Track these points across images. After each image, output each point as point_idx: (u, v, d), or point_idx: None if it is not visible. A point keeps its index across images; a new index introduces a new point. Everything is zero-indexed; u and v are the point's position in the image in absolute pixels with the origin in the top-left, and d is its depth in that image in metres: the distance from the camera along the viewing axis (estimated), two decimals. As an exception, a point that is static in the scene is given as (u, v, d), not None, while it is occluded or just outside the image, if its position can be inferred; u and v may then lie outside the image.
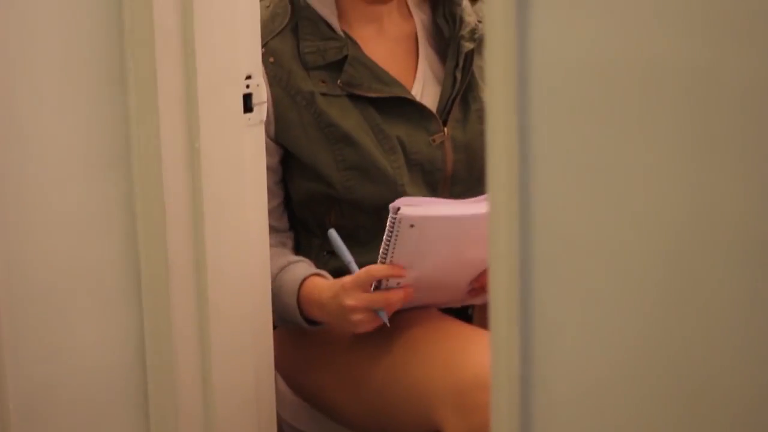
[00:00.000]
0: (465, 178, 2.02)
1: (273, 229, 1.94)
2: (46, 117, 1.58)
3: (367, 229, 1.98)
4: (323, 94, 1.96)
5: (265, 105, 1.73)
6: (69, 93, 1.58)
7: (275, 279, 1.91)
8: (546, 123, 1.07)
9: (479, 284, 1.87)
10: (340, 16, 2.01)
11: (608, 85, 1.02)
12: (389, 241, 1.76)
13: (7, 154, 1.56)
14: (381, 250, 1.78)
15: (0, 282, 1.58)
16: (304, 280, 1.92)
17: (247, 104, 1.69)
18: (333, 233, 1.90)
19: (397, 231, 1.74)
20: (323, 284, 1.90)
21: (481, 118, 2.02)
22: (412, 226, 1.74)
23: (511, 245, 1.08)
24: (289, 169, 2.01)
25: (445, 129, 2.01)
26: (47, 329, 1.63)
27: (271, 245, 1.87)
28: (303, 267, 1.96)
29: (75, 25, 1.56)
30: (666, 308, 1.01)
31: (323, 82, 1.96)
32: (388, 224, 1.75)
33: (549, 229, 1.07)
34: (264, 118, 1.72)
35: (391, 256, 1.77)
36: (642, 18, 0.99)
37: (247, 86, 1.69)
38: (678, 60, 0.97)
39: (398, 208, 1.73)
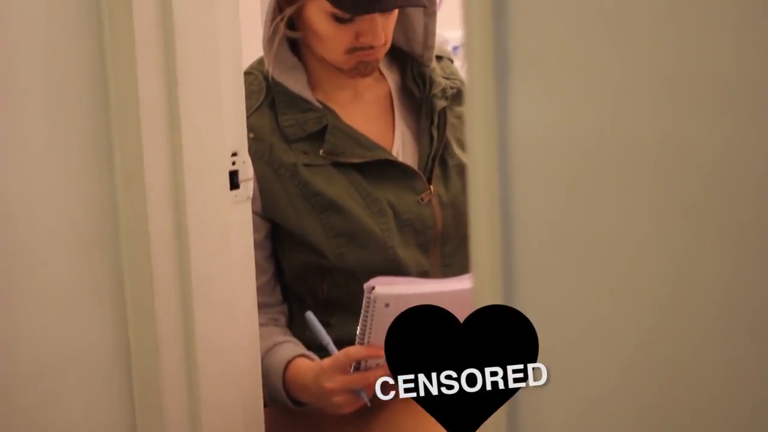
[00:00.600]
0: (454, 235, 2.03)
1: (264, 306, 1.94)
2: (33, 196, 1.58)
3: (360, 299, 1.98)
4: (306, 165, 1.97)
5: (251, 181, 1.73)
6: (56, 171, 1.59)
7: (263, 360, 1.91)
8: (527, 195, 1.08)
9: None
10: (315, 85, 2.02)
11: (588, 157, 1.03)
12: (365, 321, 1.75)
13: (-6, 235, 1.56)
14: (358, 331, 1.78)
15: (-12, 363, 1.57)
16: (289, 362, 1.92)
17: (234, 181, 1.69)
18: (310, 315, 1.90)
19: (372, 310, 1.74)
20: (306, 366, 1.90)
21: (459, 174, 2.03)
22: (387, 305, 1.74)
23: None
24: (279, 243, 2.01)
25: (431, 187, 2.02)
26: (37, 409, 1.62)
27: (262, 324, 1.86)
28: (289, 348, 1.95)
29: (62, 102, 1.57)
30: (651, 379, 1.01)
31: (305, 153, 1.97)
32: (363, 304, 1.75)
33: (532, 302, 1.07)
34: (251, 195, 1.73)
35: (369, 336, 1.77)
36: (620, 91, 1.00)
37: (233, 163, 1.69)
38: (655, 133, 0.97)
39: (372, 287, 1.73)
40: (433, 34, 2.07)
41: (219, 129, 1.66)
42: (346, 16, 1.92)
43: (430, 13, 2.06)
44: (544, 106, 1.06)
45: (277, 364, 1.92)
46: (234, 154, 1.70)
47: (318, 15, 1.94)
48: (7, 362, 1.59)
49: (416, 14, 2.06)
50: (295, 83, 2.00)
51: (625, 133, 1.00)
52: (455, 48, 3.00)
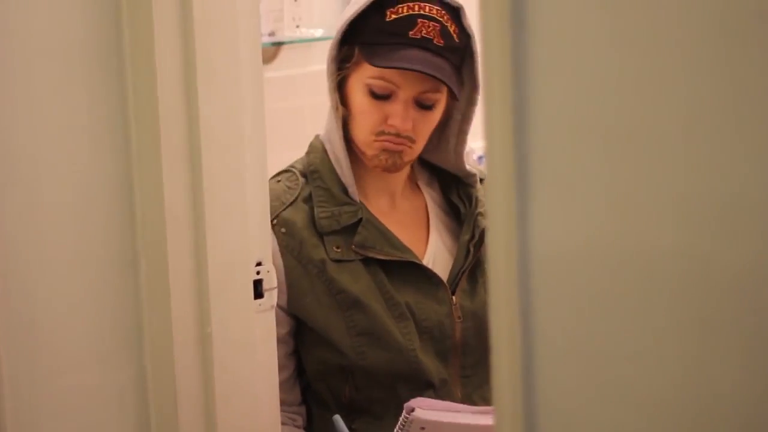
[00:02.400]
0: (475, 347, 2.03)
1: (283, 403, 1.94)
2: (58, 302, 1.59)
3: (383, 403, 1.98)
4: (335, 261, 1.99)
5: (275, 290, 1.74)
6: (81, 278, 1.60)
7: None
8: (547, 307, 1.08)
9: None
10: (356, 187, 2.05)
11: (607, 271, 1.03)
12: None
13: (18, 341, 1.56)
14: None
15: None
16: None
17: (258, 290, 1.70)
18: (337, 418, 1.90)
19: (407, 431, 1.74)
20: None
21: (486, 290, 2.03)
22: (422, 429, 1.74)
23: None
24: (301, 340, 2.03)
25: (454, 297, 2.03)
26: None
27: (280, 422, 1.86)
28: None
29: (88, 208, 1.59)
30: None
31: (337, 247, 2.00)
32: (400, 421, 1.75)
33: (553, 419, 1.07)
34: (275, 303, 1.74)
35: None
36: (640, 208, 1.00)
37: (258, 272, 1.70)
38: (675, 248, 0.98)
39: (413, 409, 1.73)
40: (464, 167, 2.12)
41: (244, 238, 1.68)
42: (382, 92, 1.96)
43: (459, 152, 2.11)
44: (565, 220, 1.06)
45: None
46: (258, 264, 1.71)
47: (357, 88, 2.00)
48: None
49: (447, 147, 2.11)
50: (344, 173, 2.03)
51: (645, 247, 1.00)
52: (480, 158, 3.03)
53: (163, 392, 1.63)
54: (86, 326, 1.61)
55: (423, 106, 1.99)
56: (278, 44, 3.48)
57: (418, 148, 2.02)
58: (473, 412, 1.79)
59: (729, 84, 0.93)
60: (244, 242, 1.68)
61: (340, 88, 2.03)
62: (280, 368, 1.90)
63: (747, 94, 0.92)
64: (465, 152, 2.12)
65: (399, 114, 1.97)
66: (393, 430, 1.79)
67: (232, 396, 1.67)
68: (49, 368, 1.59)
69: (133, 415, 1.64)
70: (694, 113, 0.96)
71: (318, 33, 3.51)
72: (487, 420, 1.75)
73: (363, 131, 2.00)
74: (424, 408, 1.74)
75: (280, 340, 1.93)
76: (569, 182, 1.05)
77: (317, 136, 2.11)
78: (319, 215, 2.01)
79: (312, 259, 1.99)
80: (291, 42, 3.50)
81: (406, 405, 1.75)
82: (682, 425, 1.00)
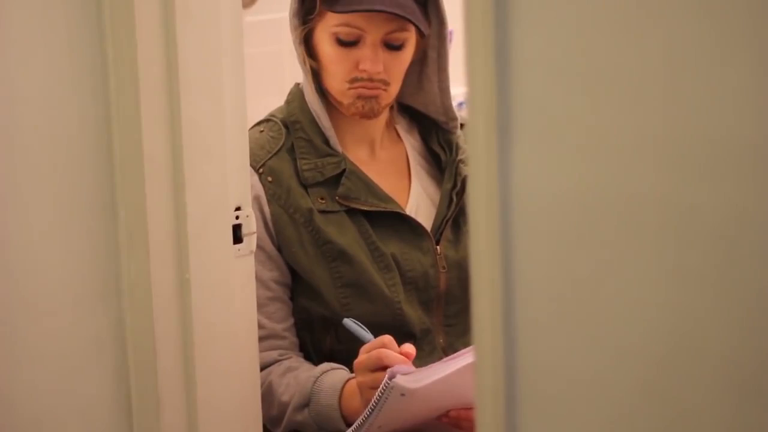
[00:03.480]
0: (459, 297, 2.03)
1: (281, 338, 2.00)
2: (35, 248, 1.58)
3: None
4: (321, 212, 1.99)
5: (255, 235, 1.73)
6: (59, 224, 1.59)
7: (311, 384, 1.92)
8: (528, 252, 1.08)
9: (450, 418, 1.85)
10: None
11: (589, 217, 1.03)
12: (377, 403, 1.75)
13: (-4, 287, 1.56)
14: (367, 408, 1.77)
15: (-13, 416, 1.57)
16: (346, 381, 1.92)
17: (237, 235, 1.70)
18: (347, 321, 1.92)
19: (387, 396, 1.74)
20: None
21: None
22: (402, 395, 1.74)
23: (496, 381, 1.08)
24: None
25: (438, 247, 2.03)
26: (36, 463, 1.61)
27: (286, 347, 1.96)
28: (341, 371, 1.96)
29: (65, 157, 1.58)
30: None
31: (322, 198, 2.00)
32: (380, 386, 1.75)
33: (533, 361, 1.07)
34: (254, 248, 1.73)
35: (374, 417, 1.77)
36: (622, 153, 1.00)
37: (237, 217, 1.69)
38: (656, 193, 0.97)
39: (394, 375, 1.73)
40: (451, 106, 2.10)
41: (223, 182, 1.67)
42: (349, 38, 1.95)
43: (443, 88, 2.10)
44: (547, 165, 1.06)
45: (335, 382, 1.92)
46: (238, 209, 1.70)
47: (323, 38, 1.99)
48: (8, 413, 1.59)
49: (432, 85, 2.08)
50: (325, 124, 2.02)
51: (627, 192, 1.00)
52: (460, 104, 3.02)
53: (141, 337, 1.62)
54: (63, 271, 1.60)
55: (392, 46, 1.98)
56: (258, -12, 3.45)
57: (394, 90, 2.01)
58: (452, 359, 1.79)
59: (712, 26, 0.92)
60: (223, 187, 1.67)
61: (307, 41, 2.02)
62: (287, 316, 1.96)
63: (730, 36, 0.91)
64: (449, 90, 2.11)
65: (369, 57, 1.96)
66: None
67: (211, 341, 1.66)
68: (26, 313, 1.59)
69: (112, 360, 1.63)
70: (676, 56, 0.95)
71: (298, -23, 3.48)
72: (467, 359, 1.75)
73: (336, 81, 1.99)
74: (404, 374, 1.74)
75: (283, 284, 1.98)
76: (551, 127, 1.05)
77: (297, 84, 2.10)
78: (302, 167, 2.01)
79: (300, 207, 1.99)
80: (271, -14, 3.48)
81: (388, 371, 1.75)
82: (662, 370, 1.00)
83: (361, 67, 1.96)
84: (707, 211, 0.94)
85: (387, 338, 1.84)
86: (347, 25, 1.95)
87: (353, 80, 1.98)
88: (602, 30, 1.00)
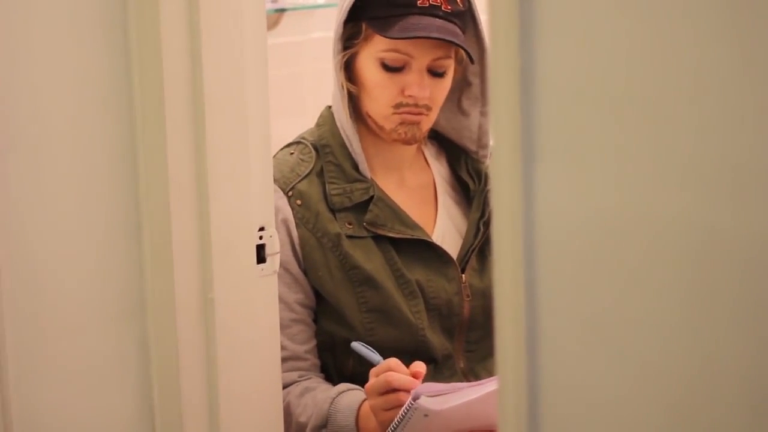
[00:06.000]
0: (482, 324, 2.04)
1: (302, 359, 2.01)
2: (61, 266, 1.59)
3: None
4: (349, 237, 2.00)
5: (278, 255, 1.74)
6: (85, 243, 1.60)
7: (328, 405, 1.92)
8: (551, 276, 1.08)
9: None
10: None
11: (612, 241, 1.03)
12: (400, 422, 1.76)
13: (21, 304, 1.57)
14: (389, 428, 1.79)
15: (12, 434, 1.58)
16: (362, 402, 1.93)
17: (261, 255, 1.71)
18: (356, 344, 1.93)
19: (410, 416, 1.75)
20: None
21: None
22: (426, 416, 1.75)
23: (518, 407, 1.08)
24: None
25: (463, 276, 2.04)
26: (60, 481, 1.62)
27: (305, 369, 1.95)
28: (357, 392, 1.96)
29: (91, 176, 1.59)
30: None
31: (349, 224, 2.01)
32: (404, 406, 1.76)
33: (556, 383, 1.07)
34: (277, 269, 1.74)
35: None
36: (645, 176, 1.00)
37: (261, 237, 1.71)
38: (681, 216, 0.98)
39: (418, 396, 1.74)
40: (487, 133, 2.11)
41: (246, 203, 1.68)
42: (396, 63, 1.96)
43: (485, 113, 2.10)
44: (571, 189, 1.06)
45: (352, 403, 1.93)
46: (261, 229, 1.71)
47: (368, 63, 1.99)
48: (33, 430, 1.59)
49: (473, 112, 2.10)
50: (355, 149, 2.03)
51: (651, 217, 1.00)
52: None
53: (165, 357, 1.63)
54: (89, 291, 1.61)
55: (435, 73, 1.99)
56: (281, 11, 3.46)
57: (433, 117, 2.03)
58: (476, 385, 1.80)
59: (738, 49, 0.93)
60: (247, 207, 1.68)
61: (347, 66, 2.02)
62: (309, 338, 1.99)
63: (756, 59, 0.92)
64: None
65: (416, 83, 1.97)
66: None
67: (234, 360, 1.67)
68: (52, 333, 1.60)
69: (136, 378, 1.64)
70: (701, 80, 0.96)
71: (320, 0, 3.50)
72: (491, 387, 1.76)
73: (380, 105, 2.00)
74: (428, 395, 1.75)
75: (307, 306, 2.00)
76: (575, 150, 1.05)
77: (328, 108, 2.10)
78: (330, 192, 2.02)
79: (327, 232, 2.00)
80: (293, 9, 3.49)
81: (412, 391, 1.76)
82: (685, 392, 1.00)
83: (408, 92, 1.97)
84: (731, 234, 0.94)
85: (393, 361, 1.85)
86: (395, 50, 1.96)
87: (398, 105, 1.98)
88: (628, 51, 1.00)
